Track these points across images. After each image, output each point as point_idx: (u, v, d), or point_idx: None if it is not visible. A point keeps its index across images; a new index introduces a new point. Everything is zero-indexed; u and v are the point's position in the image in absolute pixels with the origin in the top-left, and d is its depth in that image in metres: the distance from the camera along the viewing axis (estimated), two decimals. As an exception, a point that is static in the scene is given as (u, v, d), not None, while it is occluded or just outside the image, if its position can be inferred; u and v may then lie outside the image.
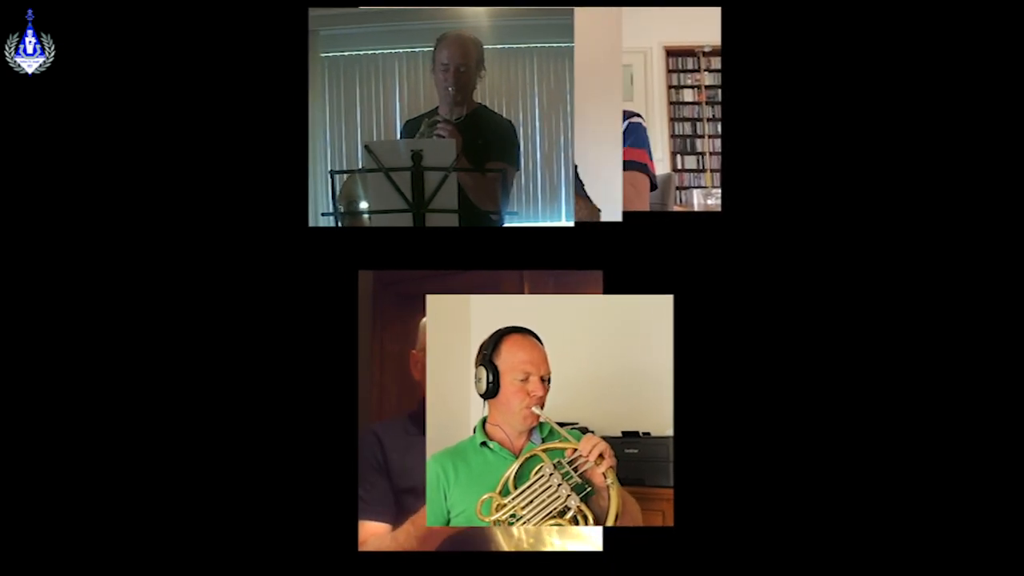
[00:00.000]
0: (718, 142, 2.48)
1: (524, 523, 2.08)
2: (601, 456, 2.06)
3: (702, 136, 2.95)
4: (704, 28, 2.48)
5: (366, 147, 2.49)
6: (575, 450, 2.08)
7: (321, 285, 2.43)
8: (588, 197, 2.50)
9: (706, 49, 2.65)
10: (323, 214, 2.69)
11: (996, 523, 2.37)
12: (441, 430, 2.25)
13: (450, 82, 2.72)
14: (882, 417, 2.39)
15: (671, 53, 2.96)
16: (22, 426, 2.39)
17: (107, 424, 2.40)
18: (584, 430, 2.15)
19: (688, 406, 2.39)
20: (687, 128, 3.00)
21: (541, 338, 2.17)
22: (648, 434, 2.33)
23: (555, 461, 2.08)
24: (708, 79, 2.93)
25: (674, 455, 2.33)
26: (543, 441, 2.13)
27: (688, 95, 3.01)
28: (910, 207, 2.40)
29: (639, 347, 2.36)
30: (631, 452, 2.29)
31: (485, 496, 2.10)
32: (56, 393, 2.39)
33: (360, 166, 2.54)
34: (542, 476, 2.08)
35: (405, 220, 2.46)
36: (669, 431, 2.34)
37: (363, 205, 2.58)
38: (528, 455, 2.11)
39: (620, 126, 2.53)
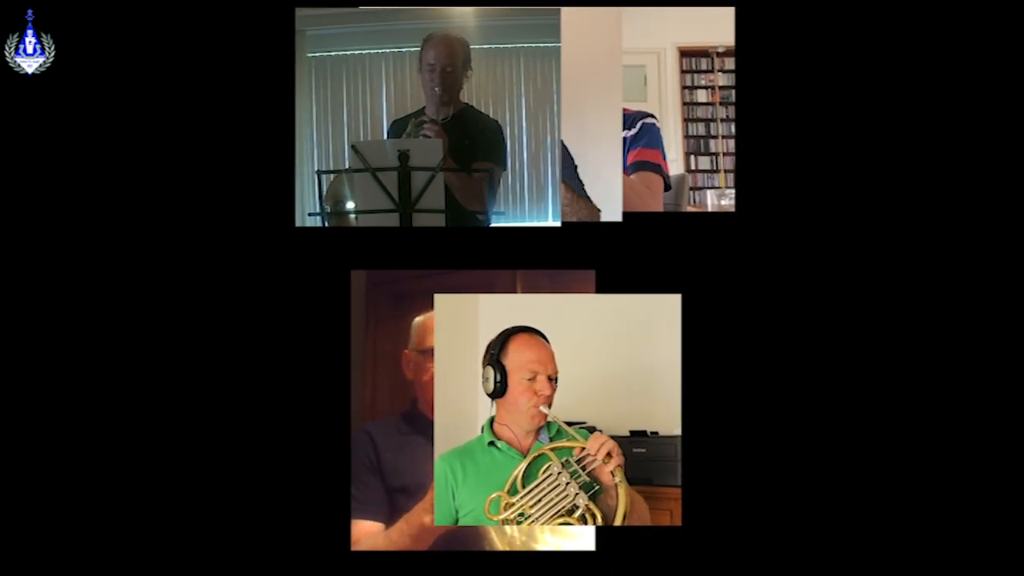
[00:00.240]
0: (732, 143, 2.50)
1: (532, 522, 2.09)
2: (609, 455, 2.07)
3: (716, 137, 2.94)
4: (718, 29, 2.49)
5: (353, 147, 2.49)
6: (583, 449, 2.09)
7: (309, 285, 2.43)
8: (588, 197, 2.50)
9: (720, 50, 2.64)
10: (310, 214, 2.69)
11: (1002, 522, 2.38)
12: (449, 430, 2.25)
13: (436, 82, 2.72)
14: (890, 417, 2.39)
15: (685, 54, 2.96)
16: (10, 421, 2.38)
17: (99, 426, 2.40)
18: (592, 429, 2.15)
19: (696, 405, 2.39)
20: (701, 129, 2.99)
21: (548, 337, 2.18)
22: (656, 433, 2.33)
23: (563, 460, 2.09)
24: (722, 79, 2.92)
25: (682, 454, 2.33)
26: (551, 440, 2.14)
27: (702, 95, 3.00)
28: (924, 209, 2.41)
29: (647, 346, 2.37)
30: (639, 451, 2.29)
31: (493, 495, 2.11)
32: (48, 394, 2.39)
33: (347, 166, 2.54)
34: (550, 475, 2.09)
35: (392, 220, 2.46)
36: (677, 430, 2.35)
37: (350, 205, 2.58)
38: (536, 454, 2.12)
39: (620, 126, 2.52)
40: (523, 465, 2.11)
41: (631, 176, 2.57)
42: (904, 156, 2.42)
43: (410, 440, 2.29)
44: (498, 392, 2.14)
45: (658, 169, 2.59)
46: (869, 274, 2.41)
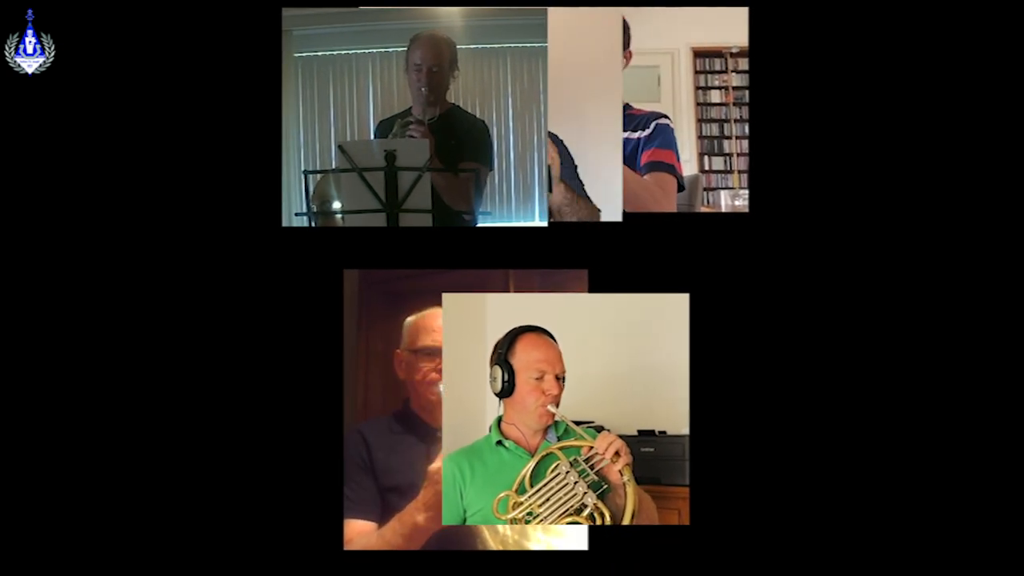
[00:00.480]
0: (745, 143, 2.51)
1: (541, 521, 2.09)
2: (617, 454, 2.07)
3: (729, 137, 2.94)
4: (731, 29, 2.50)
5: (340, 147, 2.49)
6: (591, 448, 2.09)
7: (297, 286, 2.43)
8: (588, 197, 2.50)
9: (733, 50, 2.64)
10: (297, 214, 2.69)
11: (1009, 521, 2.39)
12: (456, 429, 2.26)
13: (423, 83, 2.72)
14: (899, 417, 2.40)
15: (698, 54, 2.95)
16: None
17: (91, 427, 2.40)
18: (599, 428, 2.15)
19: (704, 405, 2.40)
20: (714, 129, 2.99)
21: (556, 337, 2.18)
22: (664, 433, 2.33)
23: (571, 459, 2.10)
24: (736, 80, 2.92)
25: (690, 454, 2.33)
26: (559, 439, 2.14)
27: (715, 96, 3.00)
28: (939, 212, 2.41)
29: (654, 346, 2.37)
30: (647, 451, 2.30)
31: (501, 495, 2.11)
32: (40, 395, 2.40)
33: (334, 166, 2.54)
34: (558, 474, 2.09)
35: (378, 220, 2.46)
36: (685, 430, 2.35)
37: (336, 205, 2.58)
38: (544, 453, 2.12)
39: (620, 126, 2.52)
40: (531, 464, 2.12)
41: (645, 176, 2.57)
42: (919, 157, 2.42)
43: (402, 440, 2.30)
44: (506, 391, 2.15)
45: (672, 170, 2.59)
46: (881, 272, 2.41)
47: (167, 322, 2.41)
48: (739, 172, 2.81)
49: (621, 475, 2.06)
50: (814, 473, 2.40)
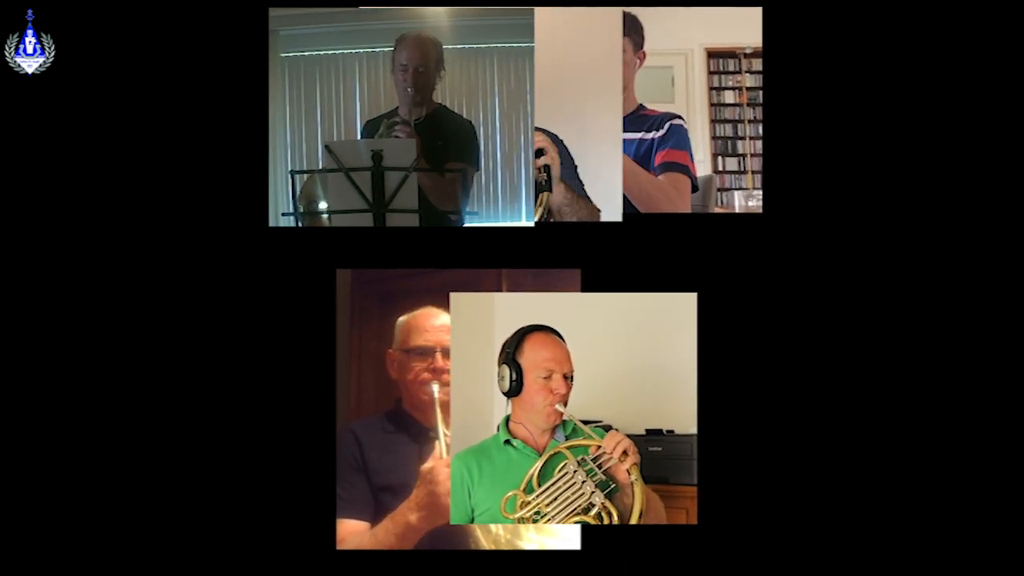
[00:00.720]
0: (759, 144, 2.51)
1: (548, 520, 2.09)
2: (625, 453, 2.06)
3: (743, 138, 2.93)
4: (745, 29, 2.50)
5: (326, 147, 2.49)
6: (599, 447, 2.08)
7: (285, 286, 2.42)
8: (588, 197, 2.50)
9: (747, 51, 2.63)
10: (283, 214, 2.69)
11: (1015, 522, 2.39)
12: (465, 428, 2.25)
13: (409, 83, 2.72)
14: (907, 418, 2.40)
15: (712, 55, 2.95)
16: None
17: (83, 428, 2.39)
18: (607, 427, 2.14)
19: (712, 404, 2.39)
20: (728, 130, 2.99)
21: (563, 336, 2.18)
22: (672, 432, 2.33)
23: (579, 458, 2.09)
24: (749, 80, 2.92)
25: (698, 453, 2.33)
26: (567, 439, 2.14)
27: (729, 96, 3.00)
28: (953, 215, 2.41)
29: (662, 345, 2.37)
30: (655, 450, 2.30)
31: (509, 494, 2.12)
32: (30, 396, 2.38)
33: (320, 166, 2.54)
34: (566, 473, 2.09)
35: (365, 220, 2.46)
36: (693, 429, 2.35)
37: (322, 205, 2.58)
38: (552, 452, 2.12)
39: (620, 126, 2.53)
40: (539, 463, 2.12)
41: (659, 177, 2.57)
42: (933, 158, 2.42)
43: (395, 439, 2.29)
44: (514, 391, 2.14)
45: (686, 170, 2.58)
46: (893, 271, 2.41)
47: (158, 322, 2.40)
48: (753, 173, 2.81)
49: (629, 474, 2.06)
50: (822, 472, 2.40)
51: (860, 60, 2.43)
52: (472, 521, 2.16)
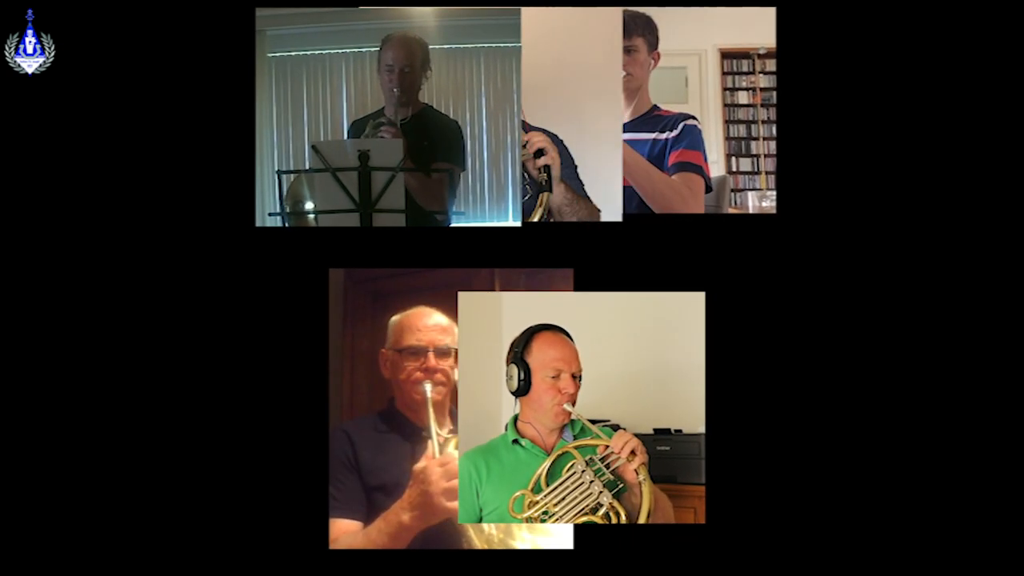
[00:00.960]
0: (773, 144, 2.51)
1: (556, 520, 2.09)
2: (633, 453, 2.06)
3: (757, 138, 2.93)
4: (759, 30, 2.50)
5: (313, 147, 2.49)
6: (607, 447, 2.08)
7: (273, 286, 2.41)
8: (588, 197, 2.50)
9: (761, 51, 2.64)
10: (270, 214, 2.69)
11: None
12: (473, 428, 2.25)
13: (395, 83, 2.72)
14: (915, 418, 2.39)
15: (726, 55, 2.96)
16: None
17: (74, 429, 2.38)
18: (615, 427, 2.15)
19: (720, 403, 2.39)
20: (742, 130, 2.99)
21: (572, 335, 2.18)
22: (680, 431, 2.33)
23: (587, 458, 2.09)
24: (763, 81, 2.93)
25: (706, 452, 2.33)
26: (575, 438, 2.14)
27: (743, 97, 3.00)
28: (967, 220, 2.40)
29: (670, 344, 2.37)
30: (663, 449, 2.30)
31: (517, 493, 2.11)
32: (17, 396, 2.37)
33: (307, 166, 2.53)
34: (574, 473, 2.09)
35: (352, 220, 2.46)
36: (701, 428, 2.35)
37: (309, 205, 2.58)
38: (560, 452, 2.12)
39: (620, 126, 2.53)
40: (547, 463, 2.11)
41: (673, 177, 2.57)
42: (948, 160, 2.42)
43: (388, 439, 2.28)
44: (522, 390, 2.14)
45: (699, 171, 2.58)
46: (904, 275, 2.40)
47: (150, 322, 2.39)
48: (766, 173, 2.82)
49: (637, 474, 2.05)
50: (830, 472, 2.40)
51: (875, 60, 2.43)
52: (480, 520, 2.16)
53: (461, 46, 3.16)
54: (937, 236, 2.41)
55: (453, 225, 2.70)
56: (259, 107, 2.54)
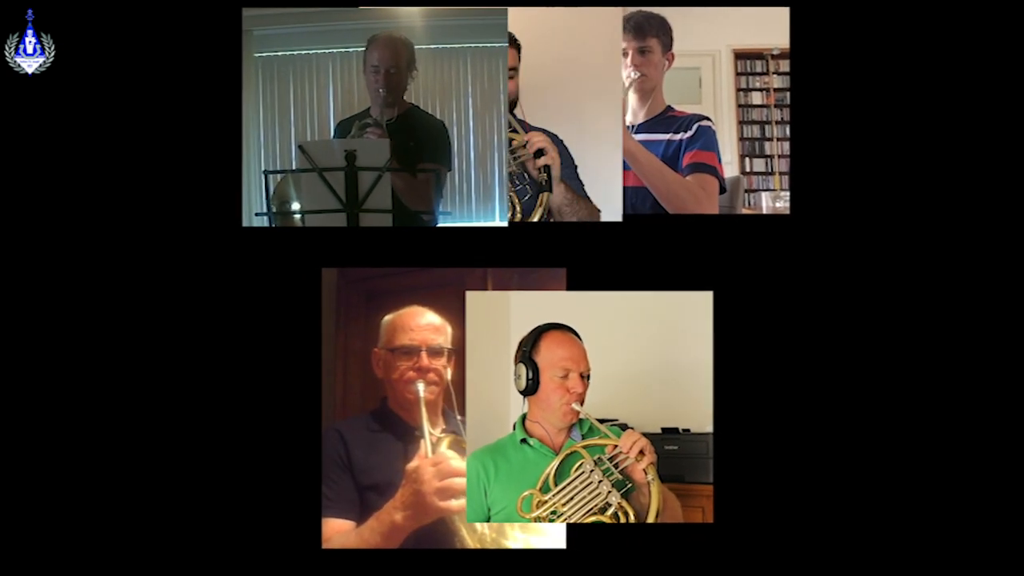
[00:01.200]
0: (787, 145, 2.51)
1: (564, 519, 2.09)
2: (641, 452, 2.06)
3: (771, 139, 2.93)
4: (773, 30, 2.50)
5: (300, 147, 2.48)
6: (615, 446, 2.09)
7: (261, 286, 2.41)
8: (588, 197, 2.51)
9: (775, 52, 2.64)
10: (257, 214, 2.68)
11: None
12: (481, 427, 2.25)
13: (381, 84, 2.72)
14: (924, 421, 2.40)
15: (739, 56, 2.96)
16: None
17: (67, 429, 2.37)
18: (624, 427, 2.15)
19: (728, 402, 2.39)
20: (756, 131, 3.00)
21: (580, 335, 2.18)
22: (688, 430, 2.35)
23: (595, 457, 2.10)
24: (777, 82, 2.93)
25: (714, 451, 2.34)
26: (583, 438, 2.14)
27: (757, 98, 3.01)
28: (982, 221, 2.41)
29: (678, 344, 2.38)
30: (671, 448, 2.31)
31: (526, 493, 2.12)
32: (7, 396, 2.37)
33: (294, 166, 2.53)
34: (583, 472, 2.09)
35: (339, 220, 2.45)
36: (709, 427, 2.35)
37: (295, 206, 2.57)
38: (568, 452, 2.12)
39: (620, 126, 2.53)
40: (555, 463, 2.12)
41: (687, 178, 2.57)
42: (963, 161, 2.42)
43: (380, 438, 2.28)
44: (530, 389, 2.15)
45: (713, 171, 2.58)
46: (916, 276, 2.41)
47: (142, 321, 2.39)
48: (780, 174, 2.82)
49: (645, 474, 2.06)
50: (838, 471, 2.40)
51: (888, 61, 2.43)
52: (488, 520, 2.17)
53: (447, 46, 3.16)
54: (950, 238, 2.42)
55: (440, 225, 2.70)
56: (246, 107, 2.54)
